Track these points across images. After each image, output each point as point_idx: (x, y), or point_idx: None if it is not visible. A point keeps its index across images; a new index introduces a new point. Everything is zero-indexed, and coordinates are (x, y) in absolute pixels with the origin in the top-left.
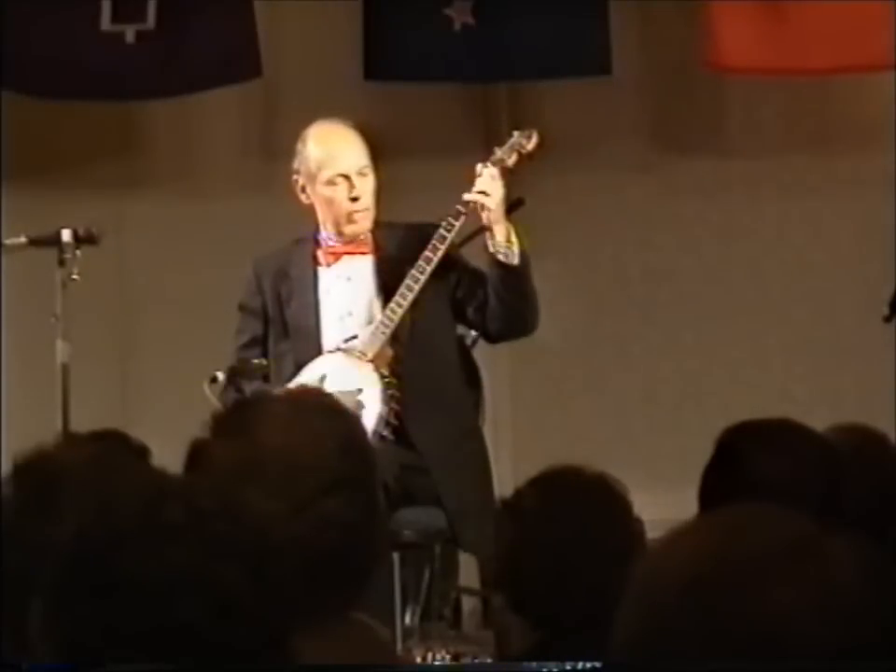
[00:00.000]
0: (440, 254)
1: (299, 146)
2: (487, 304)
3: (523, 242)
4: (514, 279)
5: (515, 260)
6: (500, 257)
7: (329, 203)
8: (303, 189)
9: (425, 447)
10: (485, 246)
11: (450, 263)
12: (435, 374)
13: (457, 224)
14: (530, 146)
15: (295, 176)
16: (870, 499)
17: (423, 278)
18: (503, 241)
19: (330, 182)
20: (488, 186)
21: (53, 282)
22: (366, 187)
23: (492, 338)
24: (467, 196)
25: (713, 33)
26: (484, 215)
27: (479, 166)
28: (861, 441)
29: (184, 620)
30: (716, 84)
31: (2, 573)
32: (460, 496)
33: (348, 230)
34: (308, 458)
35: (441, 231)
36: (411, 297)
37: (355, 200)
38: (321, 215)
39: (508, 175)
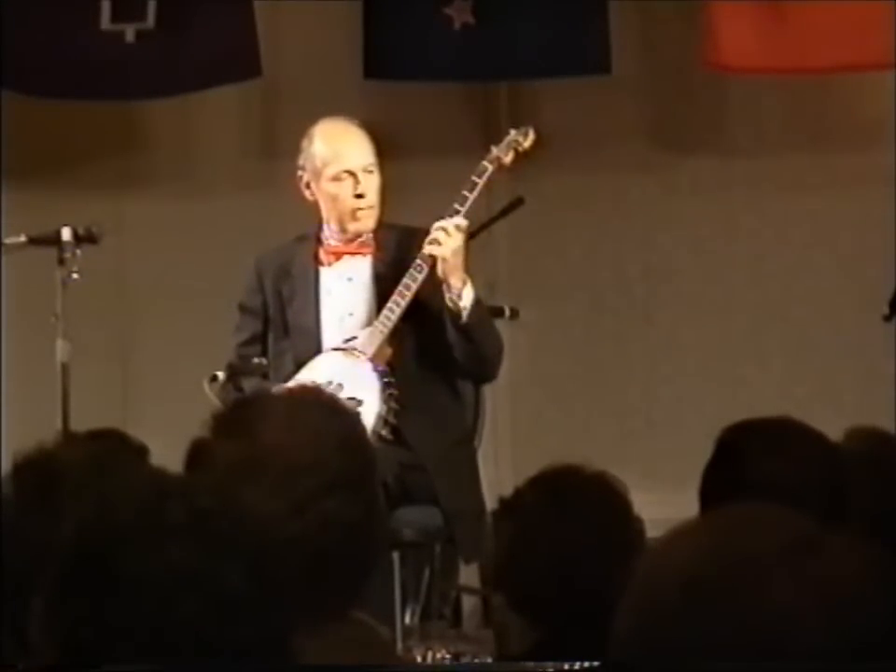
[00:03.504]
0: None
1: (304, 143)
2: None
3: (478, 296)
4: (461, 336)
5: (462, 319)
6: (450, 312)
7: (334, 199)
8: (308, 186)
9: (419, 450)
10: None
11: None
12: (429, 378)
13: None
14: (527, 143)
15: (300, 173)
16: (877, 500)
17: (421, 278)
18: (455, 296)
19: (336, 178)
20: (442, 234)
21: (53, 281)
22: (371, 184)
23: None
24: (425, 249)
25: (713, 32)
26: (438, 265)
27: (440, 222)
28: (872, 443)
29: (184, 619)
30: (716, 83)
31: (2, 573)
32: (456, 500)
33: (352, 227)
34: (308, 457)
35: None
36: (409, 297)
37: (360, 197)
38: (325, 212)
39: (504, 171)
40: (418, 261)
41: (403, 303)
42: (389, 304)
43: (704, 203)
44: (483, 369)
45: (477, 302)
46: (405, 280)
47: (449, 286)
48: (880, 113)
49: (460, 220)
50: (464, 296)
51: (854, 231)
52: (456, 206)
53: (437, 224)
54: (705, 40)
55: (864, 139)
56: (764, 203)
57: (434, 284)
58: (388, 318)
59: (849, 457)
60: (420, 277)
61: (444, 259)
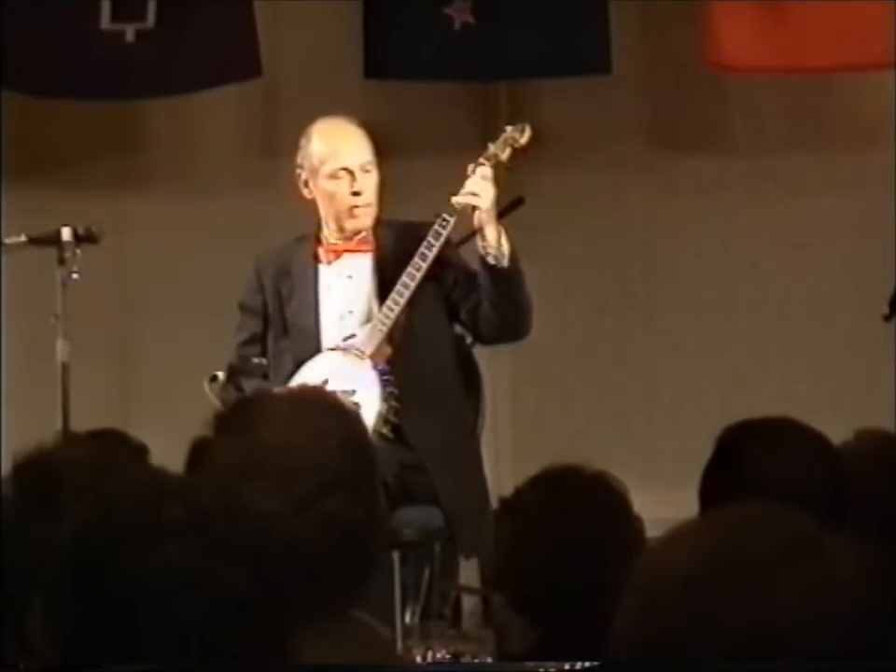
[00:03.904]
0: (435, 251)
1: (302, 141)
2: (479, 307)
3: (513, 245)
4: (504, 282)
5: (504, 262)
6: (490, 259)
7: (331, 197)
8: (306, 184)
9: (420, 448)
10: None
11: (446, 264)
12: (429, 376)
13: (451, 221)
14: (523, 139)
15: (298, 171)
16: (883, 501)
17: (419, 275)
18: (493, 243)
19: (333, 176)
20: (478, 186)
21: (53, 281)
22: (368, 182)
23: (483, 341)
24: (457, 198)
25: (713, 31)
26: (475, 215)
27: (470, 166)
28: (880, 445)
29: (184, 619)
30: (716, 83)
31: (2, 573)
32: (457, 497)
33: (349, 225)
34: (309, 457)
35: (436, 228)
36: (408, 294)
37: (356, 194)
38: (323, 210)
39: (503, 170)
40: (416, 259)
41: (402, 301)
42: (388, 302)
43: (703, 202)
44: (523, 319)
45: (513, 251)
46: (403, 278)
47: (485, 235)
48: (880, 113)
49: (486, 170)
50: (503, 242)
51: (854, 230)
52: (454, 204)
53: (470, 181)
54: (705, 40)
55: (864, 139)
56: (764, 202)
57: (435, 281)
58: (388, 316)
59: (856, 458)
60: (419, 275)
61: (481, 210)
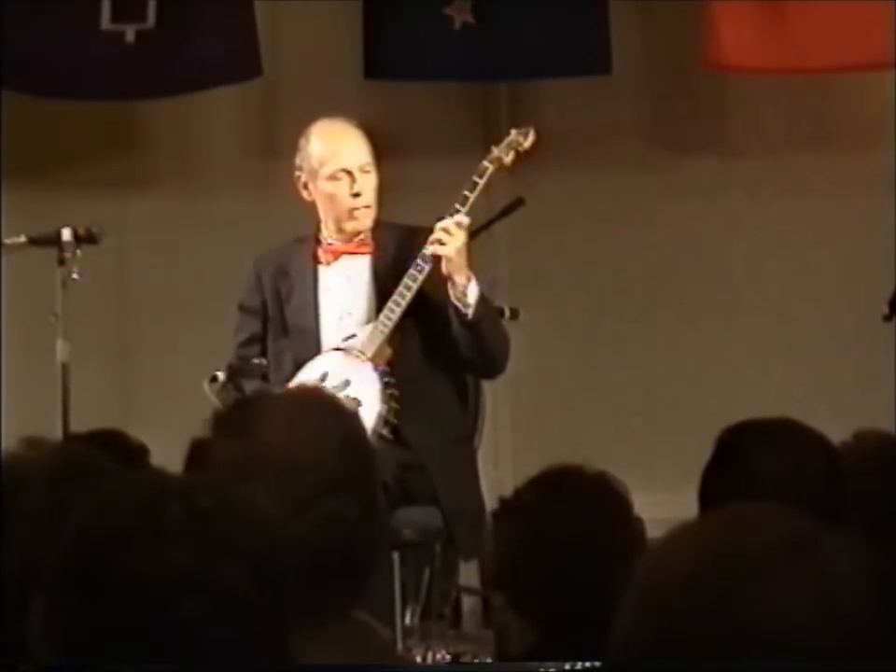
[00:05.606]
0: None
1: (301, 142)
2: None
3: (483, 295)
4: (468, 332)
5: (469, 316)
6: (457, 307)
7: (331, 198)
8: (305, 186)
9: (419, 449)
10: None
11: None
12: (429, 378)
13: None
14: (527, 143)
15: (297, 173)
16: (882, 502)
17: (421, 277)
18: (458, 293)
19: (332, 178)
20: (444, 234)
21: (53, 281)
22: (368, 184)
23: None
24: (428, 250)
25: (714, 32)
26: (443, 263)
27: (442, 222)
28: (879, 445)
29: (184, 619)
30: (716, 83)
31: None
32: (455, 500)
33: (349, 226)
34: (309, 457)
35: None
36: (409, 296)
37: (356, 196)
38: (322, 211)
39: (504, 170)
40: (419, 261)
41: (404, 303)
42: (389, 304)
43: (704, 202)
44: (490, 364)
45: (482, 298)
46: (405, 280)
47: (454, 283)
48: (880, 113)
49: (461, 218)
50: (469, 293)
51: (854, 230)
52: (457, 206)
53: (439, 224)
54: (705, 40)
55: (864, 139)
56: (764, 203)
57: (434, 282)
58: (389, 318)
59: (856, 458)
60: (420, 277)
61: (449, 259)
